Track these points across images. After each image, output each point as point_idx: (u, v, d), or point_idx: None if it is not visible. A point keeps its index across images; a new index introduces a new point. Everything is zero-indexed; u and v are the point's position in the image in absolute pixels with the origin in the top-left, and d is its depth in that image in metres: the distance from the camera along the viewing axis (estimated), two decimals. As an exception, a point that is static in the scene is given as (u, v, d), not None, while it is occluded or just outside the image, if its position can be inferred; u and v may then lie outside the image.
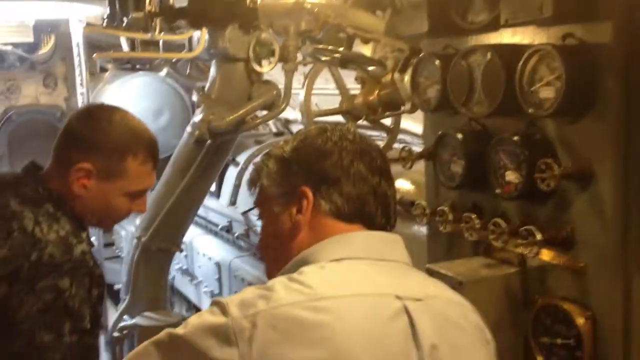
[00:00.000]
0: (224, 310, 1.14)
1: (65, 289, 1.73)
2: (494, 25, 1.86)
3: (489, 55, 1.75)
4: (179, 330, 1.17)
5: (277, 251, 1.38)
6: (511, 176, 1.72)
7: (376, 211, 1.34)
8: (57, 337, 1.72)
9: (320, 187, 1.32)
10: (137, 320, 4.11)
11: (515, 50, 1.71)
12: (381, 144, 3.53)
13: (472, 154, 1.86)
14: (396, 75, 2.85)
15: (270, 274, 1.37)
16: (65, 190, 1.86)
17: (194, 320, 1.18)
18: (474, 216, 1.81)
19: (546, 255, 1.72)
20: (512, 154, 1.73)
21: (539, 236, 1.65)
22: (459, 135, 1.90)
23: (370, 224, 1.33)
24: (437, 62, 1.96)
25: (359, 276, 1.24)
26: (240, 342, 1.10)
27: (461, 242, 1.93)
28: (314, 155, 1.34)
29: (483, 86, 1.78)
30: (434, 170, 2.02)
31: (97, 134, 1.88)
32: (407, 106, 2.90)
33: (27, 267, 1.72)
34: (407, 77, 2.83)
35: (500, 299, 1.79)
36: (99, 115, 1.94)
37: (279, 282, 1.19)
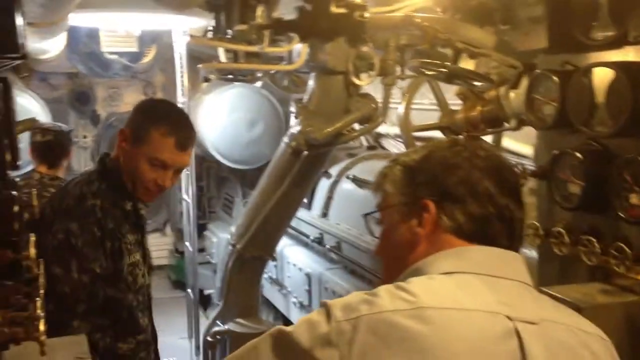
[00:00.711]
0: (328, 313, 1.16)
1: (73, 231, 2.12)
2: (618, 42, 1.79)
3: (615, 73, 1.68)
4: (289, 327, 1.20)
5: (392, 260, 1.36)
6: (636, 199, 1.64)
7: (500, 233, 1.27)
8: (66, 272, 2.11)
9: (444, 202, 1.28)
10: (230, 326, 4.19)
11: (645, 68, 1.64)
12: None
13: (593, 174, 1.79)
14: (501, 91, 2.79)
15: (384, 281, 1.34)
16: (117, 162, 2.29)
17: (302, 320, 1.20)
18: (594, 240, 1.74)
19: (673, 284, 1.63)
20: (638, 176, 1.65)
21: (666, 264, 1.56)
22: (579, 155, 1.83)
23: (491, 245, 1.27)
24: (555, 78, 1.90)
25: (468, 291, 1.18)
26: (340, 344, 1.10)
27: (576, 265, 1.85)
28: (441, 169, 1.29)
29: (607, 105, 1.71)
30: (548, 190, 1.95)
31: (137, 108, 2.36)
32: (512, 123, 2.83)
33: (48, 213, 2.18)
34: (513, 94, 2.77)
35: (620, 327, 1.70)
36: (149, 99, 2.46)
37: (385, 289, 1.18)
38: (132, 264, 2.28)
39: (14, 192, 1.39)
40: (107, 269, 2.18)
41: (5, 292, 1.54)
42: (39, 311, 1.52)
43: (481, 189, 1.27)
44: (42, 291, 1.60)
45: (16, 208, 1.36)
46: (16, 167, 1.36)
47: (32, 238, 1.40)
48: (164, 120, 2.28)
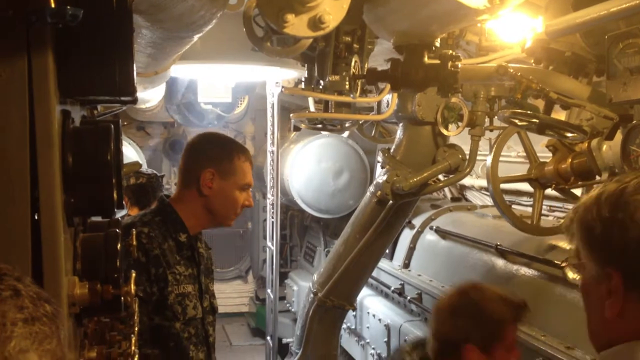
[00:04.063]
0: None
1: None
2: None
3: None
4: None
5: (590, 316, 1.24)
6: None
7: None
8: None
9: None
10: (308, 374, 4.18)
11: None
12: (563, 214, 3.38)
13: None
14: (593, 143, 2.72)
15: (590, 338, 1.25)
16: (178, 201, 2.47)
17: None
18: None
19: None
20: None
21: None
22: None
23: None
24: (654, 130, 1.84)
25: None
26: None
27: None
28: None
29: None
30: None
31: (205, 148, 2.52)
32: (604, 176, 2.74)
33: None
34: (605, 146, 2.70)
35: None
36: (208, 136, 2.62)
37: None
38: (182, 294, 2.35)
39: (118, 230, 1.47)
40: (151, 295, 2.27)
41: (102, 328, 1.61)
42: (133, 347, 1.58)
43: None
44: (136, 328, 1.67)
45: (119, 246, 1.43)
46: (121, 207, 1.44)
47: (133, 275, 1.47)
48: (237, 149, 2.50)
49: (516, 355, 2.03)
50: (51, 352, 0.77)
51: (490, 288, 2.11)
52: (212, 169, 2.41)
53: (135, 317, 1.66)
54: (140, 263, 2.24)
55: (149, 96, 5.39)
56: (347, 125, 3.93)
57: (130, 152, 6.69)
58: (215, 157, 2.45)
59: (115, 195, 1.36)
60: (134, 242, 1.87)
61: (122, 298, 1.38)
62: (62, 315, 0.82)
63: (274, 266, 6.09)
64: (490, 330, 1.97)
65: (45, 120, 1.18)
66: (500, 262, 3.50)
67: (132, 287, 1.40)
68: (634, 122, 1.95)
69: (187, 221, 2.43)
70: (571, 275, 2.75)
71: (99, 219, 1.57)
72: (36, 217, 1.17)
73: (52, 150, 1.18)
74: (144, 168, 5.27)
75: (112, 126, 1.34)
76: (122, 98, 1.37)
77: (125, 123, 7.64)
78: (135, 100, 1.39)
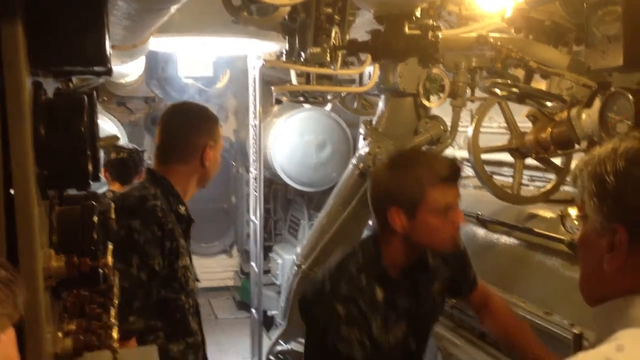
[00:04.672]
0: None
1: (135, 228, 2.21)
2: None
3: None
4: None
5: (586, 270, 1.23)
6: None
7: None
8: (126, 267, 2.16)
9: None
10: (293, 346, 4.21)
11: None
12: (548, 185, 3.40)
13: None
14: (573, 112, 2.73)
15: (581, 291, 1.24)
16: (171, 175, 2.43)
17: None
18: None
19: None
20: None
21: None
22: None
23: None
24: (630, 96, 1.85)
25: None
26: None
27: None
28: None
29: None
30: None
31: (206, 120, 2.52)
32: (583, 144, 2.76)
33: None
34: (584, 115, 2.71)
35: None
36: (193, 109, 2.58)
37: None
38: (184, 266, 2.38)
39: (94, 203, 1.46)
40: (164, 269, 2.28)
41: (81, 301, 1.60)
42: (112, 320, 1.58)
43: None
44: (116, 301, 1.67)
45: (95, 218, 1.42)
46: (97, 179, 1.42)
47: (110, 247, 1.46)
48: (215, 116, 2.53)
49: (458, 215, 2.06)
50: (7, 315, 0.81)
51: (424, 152, 2.13)
52: (211, 141, 2.47)
53: (115, 290, 1.65)
54: (157, 237, 2.26)
55: (129, 70, 5.32)
56: (329, 97, 3.92)
57: (111, 128, 6.63)
58: (211, 129, 2.51)
59: (90, 168, 1.35)
60: (112, 215, 1.86)
61: (101, 270, 1.38)
62: (20, 282, 0.85)
63: (258, 240, 6.10)
64: (413, 193, 2.02)
65: (16, 92, 1.16)
66: (481, 232, 3.53)
67: (110, 259, 1.40)
68: (612, 89, 1.96)
69: (181, 193, 2.46)
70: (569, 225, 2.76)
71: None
72: (12, 192, 1.16)
73: (23, 122, 1.17)
74: (125, 142, 5.23)
75: (86, 97, 1.33)
76: (96, 68, 1.35)
77: (106, 99, 7.55)
78: (109, 71, 1.37)
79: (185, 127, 2.49)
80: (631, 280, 1.12)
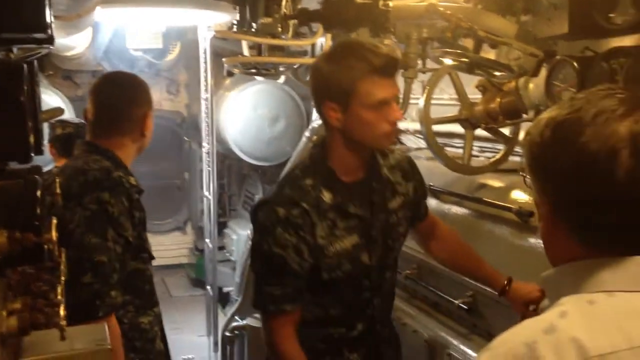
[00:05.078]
0: None
1: (106, 200, 2.16)
2: (639, 27, 1.76)
3: (633, 57, 1.66)
4: None
5: (540, 233, 1.19)
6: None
7: None
8: (102, 240, 2.13)
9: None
10: (248, 321, 4.22)
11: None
12: (497, 155, 3.46)
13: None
14: (520, 82, 2.77)
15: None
16: (115, 148, 2.37)
17: None
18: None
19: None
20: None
21: None
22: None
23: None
24: (575, 64, 1.88)
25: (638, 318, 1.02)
26: None
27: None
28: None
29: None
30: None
31: (143, 88, 2.47)
32: (530, 114, 2.81)
33: (76, 187, 2.18)
34: (532, 85, 2.75)
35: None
36: (128, 79, 2.53)
37: (542, 342, 1.00)
38: (146, 236, 2.38)
39: (38, 177, 1.42)
40: (135, 239, 2.24)
41: (26, 279, 1.56)
42: (59, 297, 1.55)
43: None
44: (63, 278, 1.63)
45: (39, 193, 1.38)
46: (40, 152, 1.38)
47: (54, 221, 1.42)
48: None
49: (393, 112, 2.00)
50: None
51: (362, 43, 2.06)
52: (149, 110, 2.46)
53: (62, 267, 1.62)
54: (125, 208, 2.21)
55: (75, 43, 5.17)
56: (281, 69, 3.87)
57: (57, 102, 6.44)
58: (148, 98, 2.48)
59: (32, 140, 1.30)
60: (58, 190, 1.81)
61: (45, 246, 1.35)
62: None
63: (212, 216, 6.06)
64: (344, 85, 1.96)
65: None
66: (433, 202, 3.57)
67: (54, 234, 1.36)
68: (557, 57, 1.99)
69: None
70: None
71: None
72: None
73: (-44, 91, 1.12)
74: (71, 117, 5.08)
75: (25, 65, 1.28)
76: (35, 35, 1.29)
77: (52, 73, 7.32)
78: (51, 39, 1.31)
79: (124, 100, 2.42)
80: (566, 249, 1.11)
